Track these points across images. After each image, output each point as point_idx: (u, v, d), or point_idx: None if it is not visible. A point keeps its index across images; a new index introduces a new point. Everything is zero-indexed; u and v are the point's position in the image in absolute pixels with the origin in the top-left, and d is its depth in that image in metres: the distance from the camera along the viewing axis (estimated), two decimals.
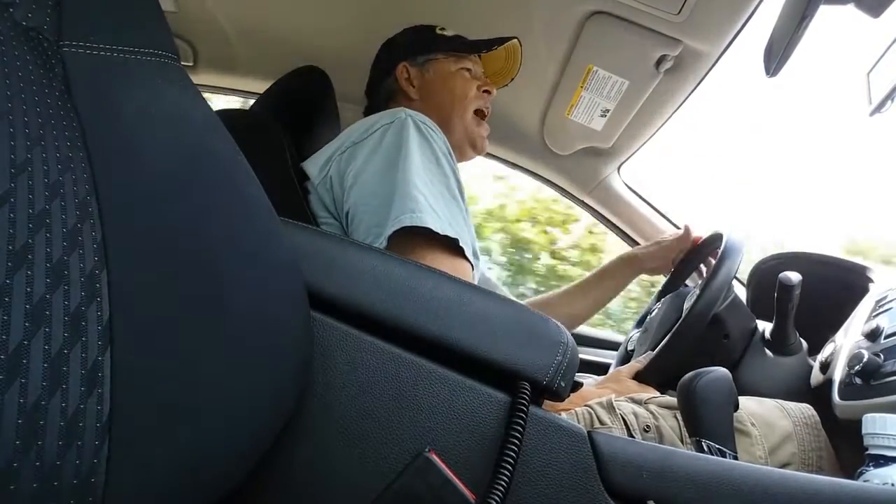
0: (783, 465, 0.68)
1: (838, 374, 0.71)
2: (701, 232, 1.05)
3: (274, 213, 0.43)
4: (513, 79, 1.01)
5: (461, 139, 0.91)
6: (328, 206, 0.74)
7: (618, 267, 1.10)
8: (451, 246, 0.66)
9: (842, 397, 0.68)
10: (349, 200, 0.70)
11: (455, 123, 0.89)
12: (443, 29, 0.93)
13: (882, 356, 0.65)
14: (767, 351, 0.89)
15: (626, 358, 1.05)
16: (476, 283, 0.69)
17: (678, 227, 1.30)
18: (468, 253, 0.68)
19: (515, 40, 0.93)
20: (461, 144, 0.91)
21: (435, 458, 0.41)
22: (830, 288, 0.95)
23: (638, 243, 1.34)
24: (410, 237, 0.64)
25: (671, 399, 0.77)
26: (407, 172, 0.67)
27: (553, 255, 2.83)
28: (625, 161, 1.29)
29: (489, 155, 1.37)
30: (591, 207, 1.40)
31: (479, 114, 0.92)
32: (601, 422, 0.76)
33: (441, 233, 0.64)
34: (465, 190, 0.76)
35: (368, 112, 0.96)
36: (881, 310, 0.75)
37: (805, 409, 0.72)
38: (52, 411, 0.25)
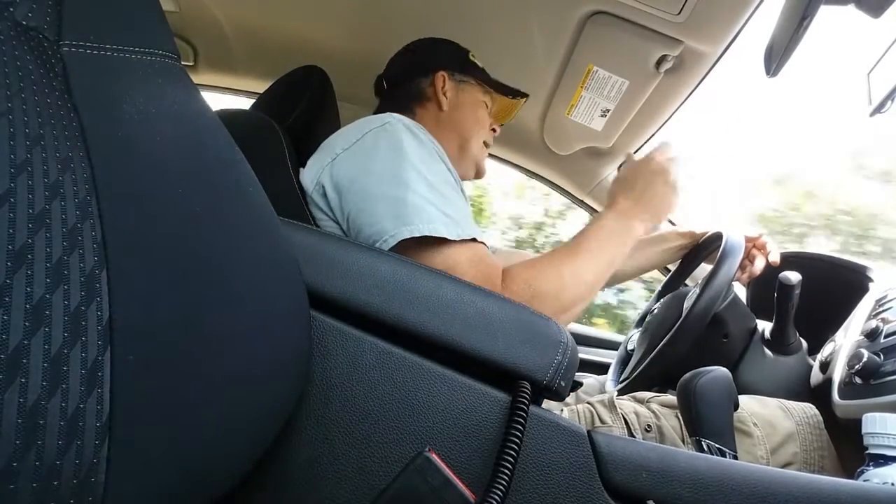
0: (785, 465, 0.68)
1: (838, 373, 0.71)
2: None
3: (274, 213, 0.43)
4: (502, 125, 1.06)
5: (470, 162, 0.95)
6: (325, 210, 0.74)
7: (674, 235, 1.09)
8: (464, 241, 0.67)
9: (842, 397, 0.68)
10: (347, 206, 0.71)
11: (472, 146, 0.93)
12: (474, 56, 0.96)
13: (882, 356, 0.65)
14: (767, 351, 0.89)
15: (626, 358, 1.05)
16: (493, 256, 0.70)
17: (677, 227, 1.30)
18: (479, 238, 0.69)
19: (527, 97, 1.01)
20: (468, 166, 0.95)
21: (435, 457, 0.41)
22: (830, 288, 0.95)
23: None
24: (424, 243, 0.65)
25: (673, 398, 0.77)
26: (410, 177, 0.67)
27: None
28: (625, 161, 1.29)
29: (490, 155, 1.37)
30: (591, 207, 1.40)
31: (484, 144, 0.97)
32: (602, 421, 0.76)
33: (457, 238, 0.65)
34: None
35: (382, 104, 0.96)
36: (881, 309, 0.76)
37: (808, 409, 0.72)
38: (51, 411, 0.25)
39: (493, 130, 0.98)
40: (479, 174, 0.98)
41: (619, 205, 0.76)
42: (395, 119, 0.74)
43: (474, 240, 0.68)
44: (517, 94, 0.98)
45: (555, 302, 0.66)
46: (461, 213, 0.68)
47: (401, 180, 0.67)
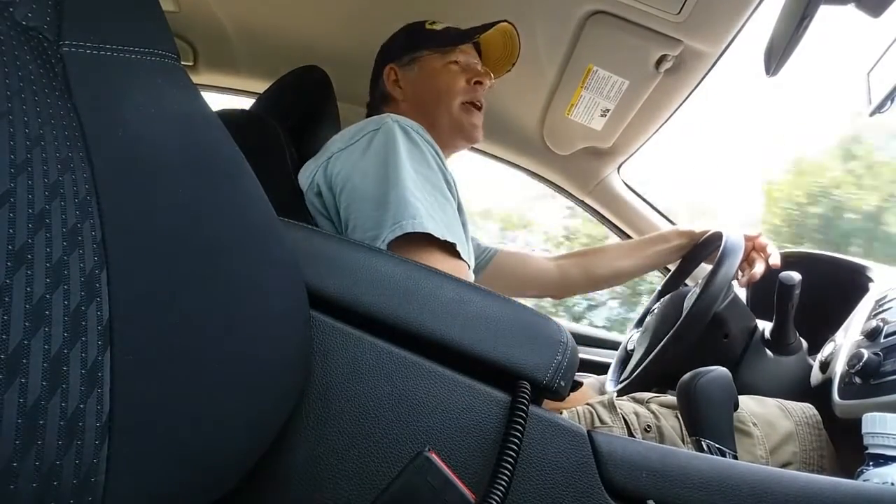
0: (784, 465, 0.68)
1: (838, 373, 0.71)
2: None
3: (274, 212, 0.43)
4: (514, 64, 0.97)
5: (450, 132, 0.88)
6: (320, 210, 0.74)
7: (674, 235, 1.08)
8: (450, 249, 0.67)
9: (841, 396, 0.68)
10: (341, 205, 0.71)
11: (441, 118, 0.87)
12: (433, 23, 0.91)
13: (882, 355, 0.65)
14: (767, 350, 0.89)
15: (625, 358, 1.05)
16: (472, 278, 0.70)
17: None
18: (464, 255, 0.68)
19: (506, 23, 0.89)
20: (451, 137, 0.89)
21: (435, 457, 0.41)
22: (830, 288, 0.95)
23: None
24: (410, 242, 0.64)
25: (672, 398, 0.77)
26: (400, 177, 0.67)
27: None
28: (625, 161, 1.29)
29: (490, 155, 1.37)
30: (590, 207, 1.40)
31: (471, 104, 0.89)
32: (602, 421, 0.76)
33: (441, 238, 0.64)
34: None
35: (370, 114, 0.96)
36: (881, 309, 0.75)
37: (806, 409, 0.72)
38: (51, 411, 0.25)
39: (479, 83, 0.89)
40: (468, 138, 0.90)
41: None
42: (392, 120, 0.74)
43: (458, 256, 0.67)
44: (479, 30, 0.88)
45: None
46: (449, 219, 0.68)
47: (389, 180, 0.67)
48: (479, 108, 0.91)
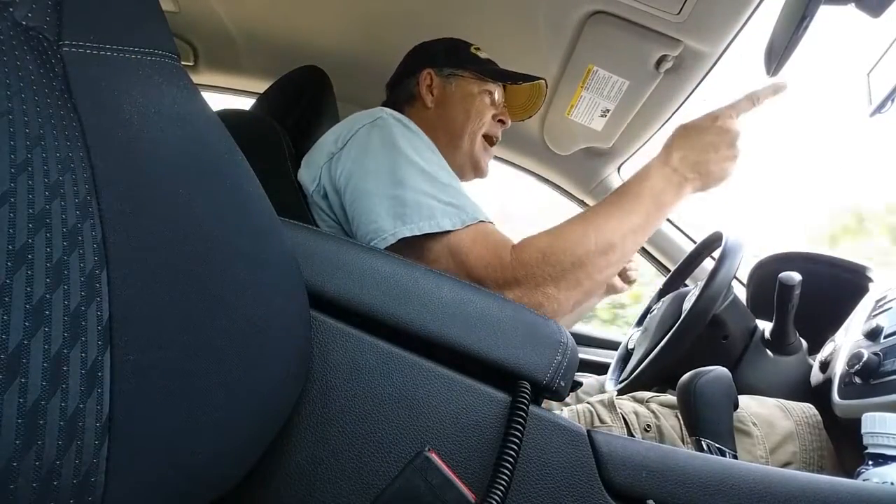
0: (784, 465, 0.68)
1: (838, 373, 0.71)
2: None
3: (274, 212, 0.43)
4: (530, 116, 1.03)
5: (465, 160, 0.91)
6: (326, 211, 0.74)
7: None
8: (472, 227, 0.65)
9: (841, 396, 0.68)
10: (346, 205, 0.71)
11: (463, 142, 0.89)
12: (478, 49, 0.94)
13: (882, 355, 0.65)
14: (767, 350, 0.89)
15: (626, 357, 1.05)
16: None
17: (677, 227, 1.31)
18: (484, 217, 0.67)
19: (543, 81, 0.95)
20: (463, 165, 0.92)
21: (435, 457, 0.41)
22: (830, 288, 0.95)
23: None
24: (428, 238, 0.64)
25: (672, 398, 0.77)
26: (404, 172, 0.67)
27: None
28: (625, 161, 1.29)
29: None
30: None
31: (488, 139, 0.93)
32: (602, 421, 0.76)
33: (462, 226, 0.64)
34: None
35: (387, 106, 0.96)
36: (881, 309, 0.76)
37: (807, 409, 0.72)
38: (51, 411, 0.25)
39: (502, 122, 0.93)
40: (478, 172, 0.94)
41: (672, 160, 0.66)
42: (385, 113, 0.74)
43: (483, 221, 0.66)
44: (519, 77, 0.92)
45: (572, 268, 0.60)
46: (462, 198, 0.67)
47: (397, 177, 0.67)
48: (493, 144, 0.94)
